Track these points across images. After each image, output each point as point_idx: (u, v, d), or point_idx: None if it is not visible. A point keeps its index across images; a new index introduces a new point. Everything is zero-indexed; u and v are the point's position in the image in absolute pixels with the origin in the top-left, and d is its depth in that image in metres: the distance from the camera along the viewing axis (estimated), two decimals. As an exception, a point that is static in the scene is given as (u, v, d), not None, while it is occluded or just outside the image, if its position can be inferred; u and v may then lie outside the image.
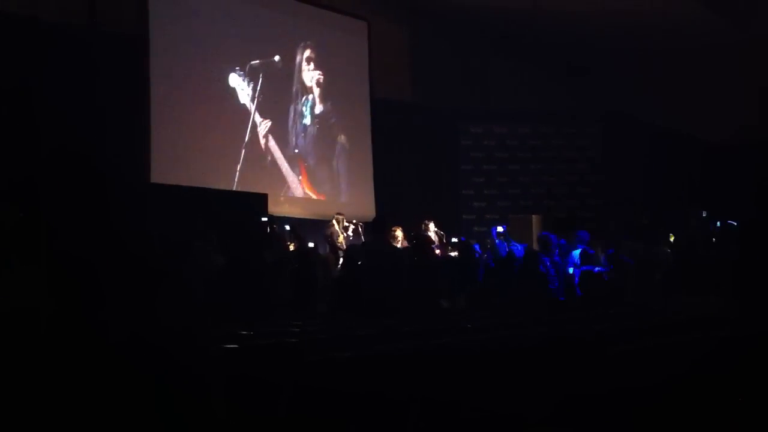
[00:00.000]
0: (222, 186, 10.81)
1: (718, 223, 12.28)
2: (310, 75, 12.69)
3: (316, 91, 12.74)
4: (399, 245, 9.86)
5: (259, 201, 9.82)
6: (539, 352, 4.02)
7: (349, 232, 10.64)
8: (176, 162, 10.49)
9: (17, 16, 9.03)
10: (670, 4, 13.17)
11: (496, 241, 11.02)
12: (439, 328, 5.25)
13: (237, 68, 11.55)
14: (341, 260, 9.29)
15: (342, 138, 13.07)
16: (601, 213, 14.13)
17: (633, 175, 14.55)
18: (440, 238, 11.28)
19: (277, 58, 12.10)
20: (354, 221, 10.92)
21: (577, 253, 9.82)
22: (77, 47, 9.46)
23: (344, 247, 9.96)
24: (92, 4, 9.88)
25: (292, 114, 12.42)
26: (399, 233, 10.46)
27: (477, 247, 10.44)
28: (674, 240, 10.99)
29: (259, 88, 11.74)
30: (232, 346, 4.19)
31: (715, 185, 13.09)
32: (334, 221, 10.69)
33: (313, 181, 12.61)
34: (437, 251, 10.71)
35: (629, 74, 15.01)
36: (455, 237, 11.32)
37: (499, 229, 11.45)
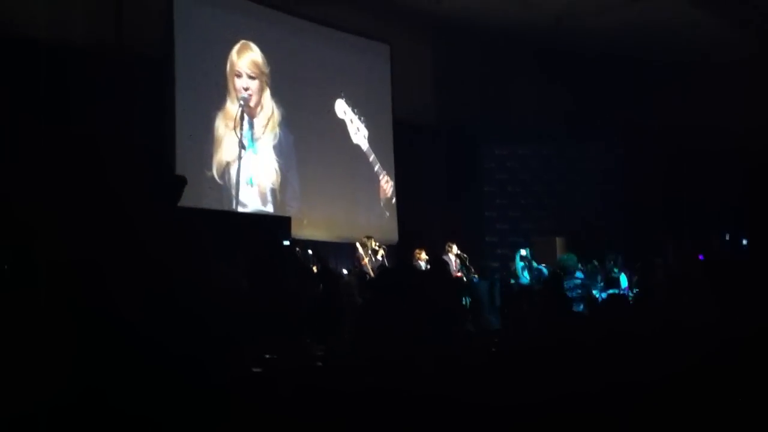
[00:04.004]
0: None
1: (744, 241, 12.09)
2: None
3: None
4: (424, 268, 9.81)
5: (283, 224, 9.79)
6: (538, 352, 4.04)
7: (378, 257, 10.46)
8: (201, 185, 10.54)
9: (45, 42, 9.10)
10: (701, 17, 12.94)
11: (519, 264, 10.98)
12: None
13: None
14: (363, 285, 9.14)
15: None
16: (627, 234, 13.91)
17: (657, 196, 14.29)
18: (462, 260, 11.19)
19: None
20: (380, 245, 10.77)
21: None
22: (104, 69, 9.56)
23: (370, 271, 9.82)
24: (119, 26, 9.98)
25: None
26: (423, 256, 10.40)
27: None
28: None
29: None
30: (256, 370, 4.18)
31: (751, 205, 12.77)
32: (359, 245, 10.58)
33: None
34: (458, 273, 10.66)
35: (654, 92, 14.72)
36: (478, 259, 11.29)
37: (523, 252, 11.43)
